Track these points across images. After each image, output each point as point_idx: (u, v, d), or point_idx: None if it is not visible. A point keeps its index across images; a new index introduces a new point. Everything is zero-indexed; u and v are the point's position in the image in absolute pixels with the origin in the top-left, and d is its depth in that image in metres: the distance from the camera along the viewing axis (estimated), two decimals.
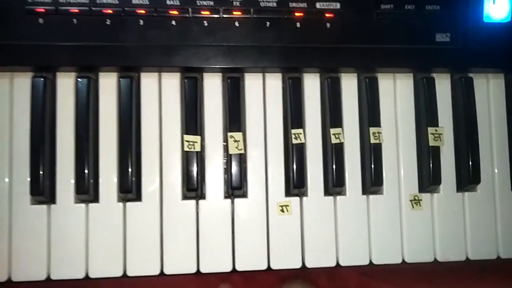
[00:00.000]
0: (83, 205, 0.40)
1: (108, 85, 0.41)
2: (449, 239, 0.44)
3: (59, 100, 0.40)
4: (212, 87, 0.42)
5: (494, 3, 0.43)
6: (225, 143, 0.42)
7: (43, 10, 0.38)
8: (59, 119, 0.40)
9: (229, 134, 0.41)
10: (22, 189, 0.39)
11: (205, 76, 0.42)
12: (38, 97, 0.39)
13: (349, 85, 0.44)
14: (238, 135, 0.41)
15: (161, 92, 0.41)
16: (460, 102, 0.45)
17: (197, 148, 0.40)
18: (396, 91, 0.45)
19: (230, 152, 0.41)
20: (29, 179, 0.39)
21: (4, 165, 0.39)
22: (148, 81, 0.41)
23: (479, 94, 0.45)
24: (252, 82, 0.43)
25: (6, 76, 0.40)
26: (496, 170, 0.45)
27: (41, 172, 0.39)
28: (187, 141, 0.40)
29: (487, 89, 0.46)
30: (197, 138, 0.40)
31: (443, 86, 0.45)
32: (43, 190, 0.39)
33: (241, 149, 0.41)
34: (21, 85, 0.40)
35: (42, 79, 0.39)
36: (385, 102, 0.44)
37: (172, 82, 0.42)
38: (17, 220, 0.39)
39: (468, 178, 0.44)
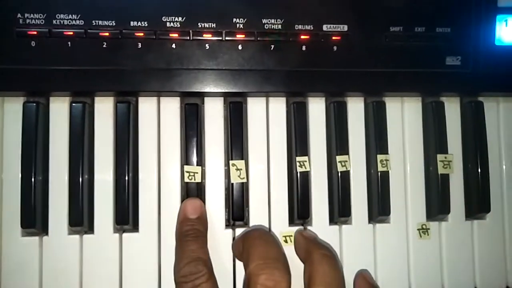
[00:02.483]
0: (77, 237, 0.38)
1: (104, 110, 0.39)
2: (457, 269, 0.42)
3: (52, 126, 0.38)
4: (214, 111, 0.40)
5: (506, 25, 0.41)
6: (226, 167, 0.40)
7: (35, 33, 0.35)
8: (52, 147, 0.38)
9: (231, 162, 0.39)
10: (12, 220, 0.37)
11: (206, 100, 0.40)
12: (30, 123, 0.37)
13: (355, 109, 0.42)
14: (240, 163, 0.39)
15: (160, 118, 0.39)
16: (470, 127, 0.43)
17: (198, 179, 0.38)
18: (404, 116, 0.43)
19: (232, 181, 0.39)
20: (20, 210, 0.37)
21: None
22: (146, 106, 0.39)
23: (489, 118, 0.44)
24: (255, 106, 0.41)
25: None
26: (505, 197, 0.44)
27: (32, 203, 0.37)
28: (187, 171, 0.38)
29: (497, 113, 0.45)
30: (198, 169, 0.38)
31: (452, 110, 0.44)
32: (34, 222, 0.37)
33: (243, 178, 0.39)
34: (12, 110, 0.38)
35: (34, 104, 0.37)
36: (392, 127, 0.42)
37: (171, 107, 0.40)
38: (7, 253, 0.37)
39: (477, 206, 0.43)
